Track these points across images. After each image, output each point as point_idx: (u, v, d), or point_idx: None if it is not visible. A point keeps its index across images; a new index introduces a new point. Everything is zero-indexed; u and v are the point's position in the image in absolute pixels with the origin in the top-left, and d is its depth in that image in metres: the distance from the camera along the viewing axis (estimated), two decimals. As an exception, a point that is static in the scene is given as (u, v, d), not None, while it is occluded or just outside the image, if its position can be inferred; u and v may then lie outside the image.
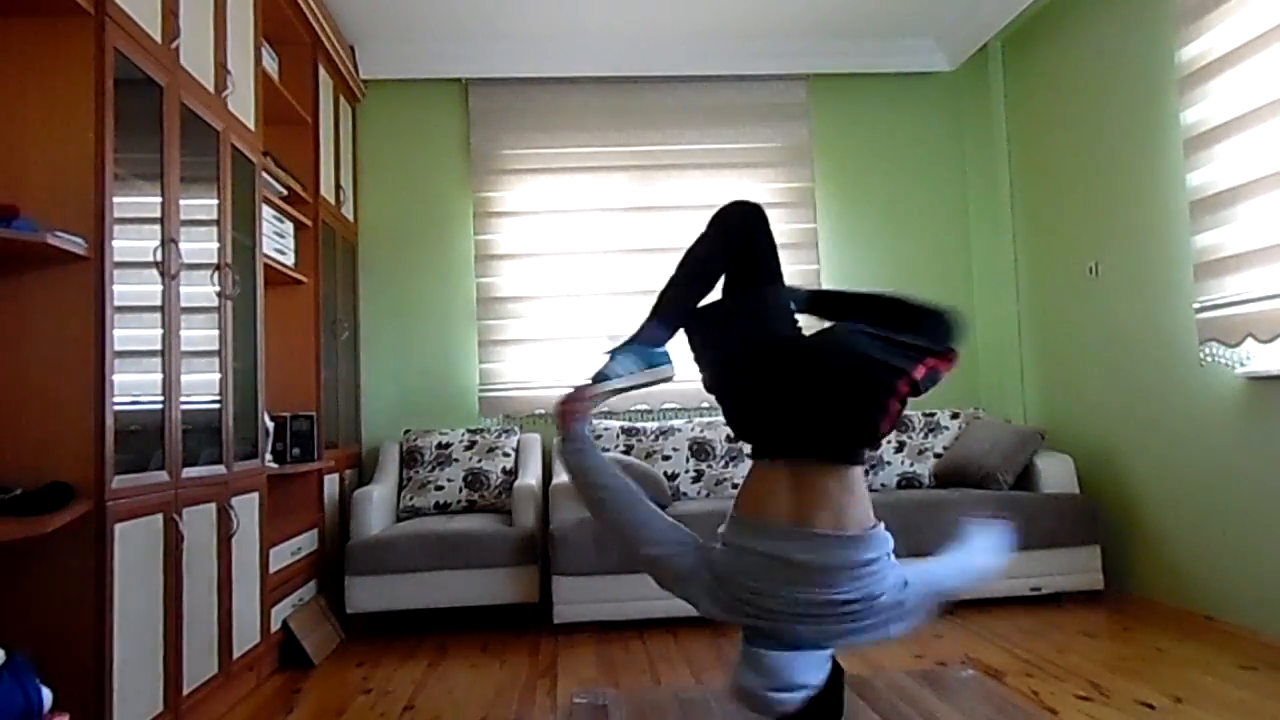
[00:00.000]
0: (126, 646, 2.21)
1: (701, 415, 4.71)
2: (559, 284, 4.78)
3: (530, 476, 4.27)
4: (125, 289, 2.28)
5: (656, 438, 4.37)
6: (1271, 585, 3.12)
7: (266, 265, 3.37)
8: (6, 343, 2.16)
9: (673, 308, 2.29)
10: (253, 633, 3.01)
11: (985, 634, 3.43)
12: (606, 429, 4.42)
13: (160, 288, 2.46)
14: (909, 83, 5.05)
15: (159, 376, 2.46)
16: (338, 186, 4.36)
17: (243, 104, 3.10)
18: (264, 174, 3.33)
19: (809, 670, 1.97)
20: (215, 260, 2.84)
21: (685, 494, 4.27)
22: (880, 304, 2.22)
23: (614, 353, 2.24)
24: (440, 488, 4.29)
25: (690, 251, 2.29)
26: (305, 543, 3.69)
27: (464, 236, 4.81)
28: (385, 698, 2.95)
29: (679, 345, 2.31)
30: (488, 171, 4.82)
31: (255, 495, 3.09)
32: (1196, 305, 3.32)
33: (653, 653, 3.38)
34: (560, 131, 4.85)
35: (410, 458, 4.40)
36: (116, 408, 2.21)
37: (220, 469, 2.81)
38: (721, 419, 4.47)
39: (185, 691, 2.50)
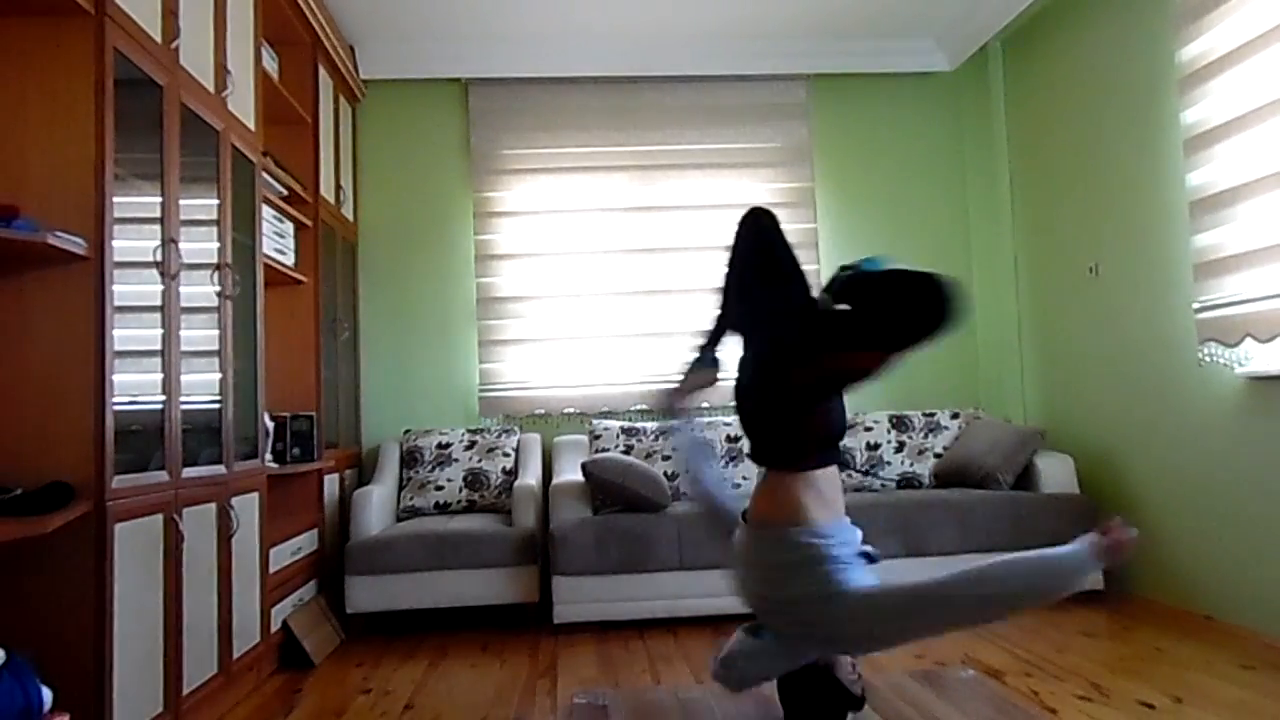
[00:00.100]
0: (126, 646, 2.21)
1: (701, 415, 4.71)
2: (559, 284, 4.78)
3: (530, 476, 4.27)
4: (125, 289, 2.28)
5: (656, 438, 4.37)
6: (1271, 585, 3.12)
7: (266, 265, 3.37)
8: (7, 343, 2.16)
9: (715, 320, 2.57)
10: (253, 633, 3.01)
11: (985, 634, 3.43)
12: (606, 429, 4.42)
13: (160, 288, 2.46)
14: (909, 83, 5.06)
15: (159, 376, 2.46)
16: (338, 186, 4.36)
17: (243, 104, 3.10)
18: (264, 174, 3.33)
19: (754, 656, 2.19)
20: (215, 260, 2.84)
21: (685, 494, 4.26)
22: (872, 286, 2.22)
23: (690, 361, 2.61)
24: (440, 488, 4.29)
25: (726, 263, 2.53)
26: (305, 543, 3.69)
27: (464, 236, 4.81)
28: (385, 698, 2.95)
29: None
30: (488, 171, 4.82)
31: (255, 495, 3.09)
32: (1196, 305, 3.32)
33: (653, 653, 3.38)
34: (560, 131, 4.85)
35: (410, 458, 4.40)
36: (116, 408, 2.21)
37: (220, 469, 2.81)
38: (721, 419, 4.50)
39: (185, 691, 2.50)
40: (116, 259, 2.24)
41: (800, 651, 2.17)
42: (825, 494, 2.17)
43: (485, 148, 4.82)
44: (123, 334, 2.26)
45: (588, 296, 4.78)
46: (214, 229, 2.86)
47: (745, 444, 2.47)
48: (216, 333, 2.84)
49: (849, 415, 2.61)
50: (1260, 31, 2.98)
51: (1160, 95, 3.57)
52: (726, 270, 2.46)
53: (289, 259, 3.76)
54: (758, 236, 2.39)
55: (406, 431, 4.54)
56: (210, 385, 2.80)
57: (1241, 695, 2.65)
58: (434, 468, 4.35)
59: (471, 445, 4.42)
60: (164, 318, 2.47)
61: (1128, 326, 3.84)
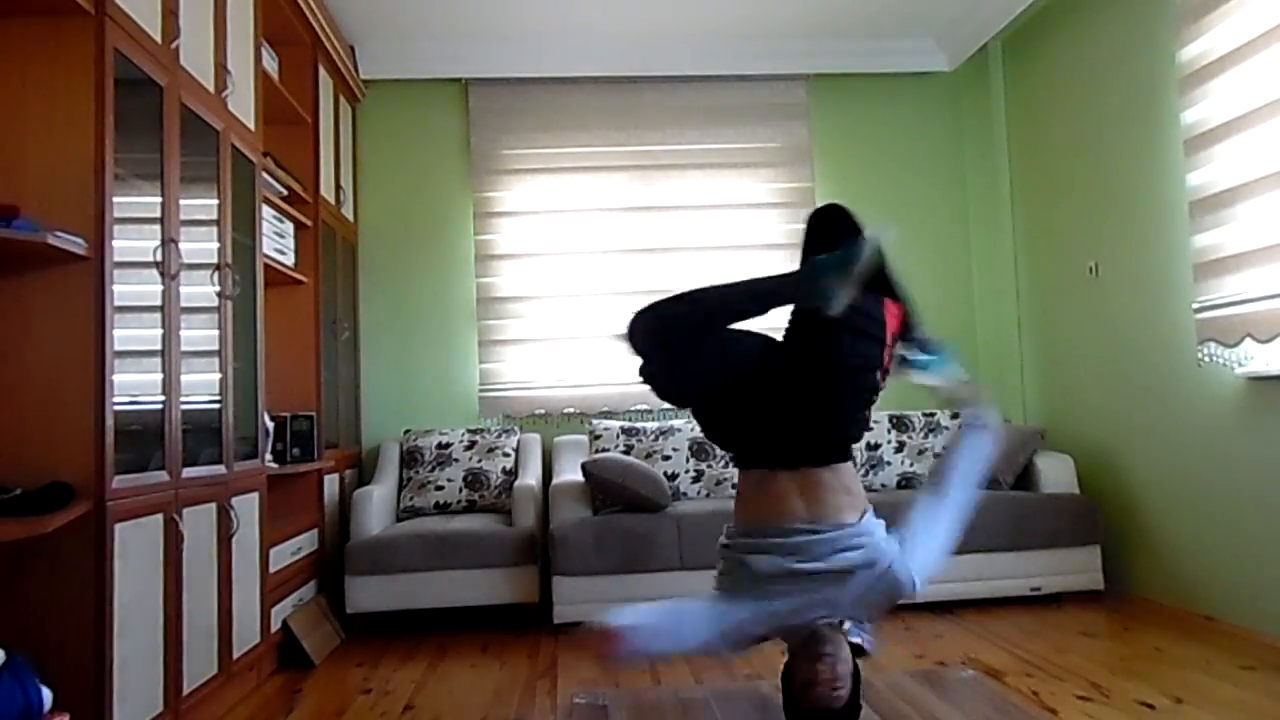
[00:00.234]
0: (126, 646, 2.21)
1: (701, 415, 4.71)
2: (559, 284, 4.78)
3: (530, 476, 4.27)
4: (125, 289, 2.28)
5: (656, 438, 4.37)
6: (1271, 586, 3.12)
7: (266, 265, 3.37)
8: (7, 343, 2.16)
9: None
10: (253, 633, 3.01)
11: (985, 634, 3.43)
12: (606, 429, 4.42)
13: (160, 288, 2.46)
14: (909, 83, 5.05)
15: (159, 376, 2.46)
16: (338, 186, 4.36)
17: (243, 104, 3.10)
18: (264, 174, 3.33)
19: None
20: (215, 260, 2.84)
21: (685, 494, 4.27)
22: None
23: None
24: (440, 488, 4.29)
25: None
26: (305, 543, 3.69)
27: (464, 236, 4.81)
28: (385, 698, 2.95)
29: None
30: (488, 171, 4.82)
31: (255, 495, 3.09)
32: (1195, 305, 3.32)
33: (653, 653, 3.38)
34: (560, 131, 4.85)
35: (410, 458, 4.40)
36: (116, 408, 2.21)
37: (220, 469, 2.81)
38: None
39: (185, 691, 2.50)
40: (116, 259, 2.24)
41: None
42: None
43: (485, 148, 4.82)
44: (123, 334, 2.26)
45: (588, 296, 4.78)
46: (214, 229, 2.86)
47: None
48: (216, 333, 2.84)
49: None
50: (1260, 31, 2.98)
51: (1160, 95, 3.57)
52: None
53: (289, 259, 3.76)
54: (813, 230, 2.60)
55: (406, 431, 4.54)
56: (210, 385, 2.80)
57: (1241, 695, 2.65)
58: (434, 468, 4.35)
59: (471, 445, 4.42)
60: (164, 318, 2.47)
61: (1127, 326, 3.84)
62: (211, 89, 2.84)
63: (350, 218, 4.63)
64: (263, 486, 3.16)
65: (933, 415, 4.50)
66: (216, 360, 2.84)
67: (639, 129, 4.88)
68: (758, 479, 2.28)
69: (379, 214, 4.81)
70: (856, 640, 2.24)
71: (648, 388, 2.27)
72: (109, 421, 2.17)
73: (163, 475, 2.44)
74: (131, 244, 2.35)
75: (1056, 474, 3.99)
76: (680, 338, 2.22)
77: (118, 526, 2.19)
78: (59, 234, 2.07)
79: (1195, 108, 3.31)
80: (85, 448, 2.14)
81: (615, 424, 4.46)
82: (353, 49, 4.66)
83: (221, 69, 2.90)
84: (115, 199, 2.24)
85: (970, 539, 3.72)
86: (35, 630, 2.08)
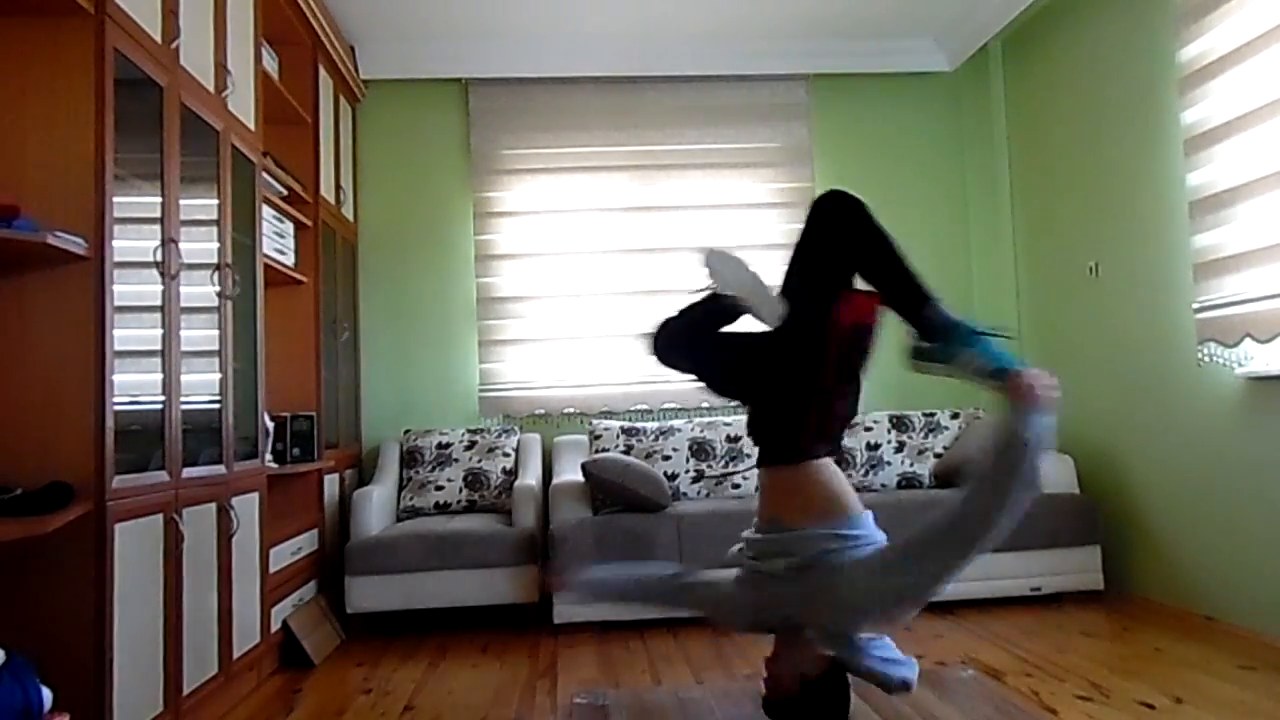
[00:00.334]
0: (126, 646, 2.21)
1: (701, 415, 4.71)
2: (559, 284, 4.78)
3: (530, 476, 4.27)
4: (125, 289, 2.28)
5: (656, 438, 4.37)
6: (1271, 586, 3.12)
7: (266, 265, 3.37)
8: (7, 343, 2.16)
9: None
10: (253, 633, 3.01)
11: (985, 634, 3.43)
12: (606, 429, 4.42)
13: (160, 288, 2.46)
14: (909, 83, 5.05)
15: (159, 376, 2.46)
16: (338, 186, 4.36)
17: (243, 104, 3.10)
18: (264, 174, 3.33)
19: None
20: (215, 260, 2.84)
21: (685, 494, 4.27)
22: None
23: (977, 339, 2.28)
24: (440, 488, 4.29)
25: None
26: (305, 543, 3.69)
27: (464, 236, 4.81)
28: (385, 698, 2.95)
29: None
30: (488, 171, 4.82)
31: (255, 495, 3.09)
32: (1195, 305, 3.32)
33: (653, 653, 3.38)
34: (560, 131, 4.85)
35: (410, 458, 4.40)
36: (116, 408, 2.21)
37: (220, 469, 2.81)
38: (721, 419, 4.50)
39: (185, 691, 2.50)
40: (116, 259, 2.24)
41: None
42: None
43: (485, 148, 4.82)
44: (123, 334, 2.26)
45: (588, 296, 4.78)
46: (214, 229, 2.86)
47: (750, 444, 2.49)
48: (216, 333, 2.84)
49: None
50: (1260, 31, 2.98)
51: (1160, 95, 3.57)
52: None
53: (289, 259, 3.76)
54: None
55: (406, 431, 4.54)
56: (210, 385, 2.80)
57: (1241, 695, 2.65)
58: (434, 468, 4.35)
59: (471, 445, 4.42)
60: (164, 318, 2.47)
61: (1127, 327, 3.84)
62: (211, 89, 2.84)
63: (350, 218, 4.63)
64: (263, 486, 3.16)
65: (933, 415, 4.50)
66: (216, 360, 2.84)
67: (639, 129, 4.88)
68: (759, 474, 2.41)
69: (379, 214, 4.81)
70: (876, 669, 2.13)
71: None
72: (109, 421, 2.17)
73: (163, 475, 2.44)
74: (131, 244, 2.35)
75: (1056, 474, 3.99)
76: (678, 350, 2.48)
77: (118, 526, 2.19)
78: (59, 234, 2.07)
79: (1195, 108, 3.31)
80: (85, 448, 2.14)
81: (615, 424, 4.46)
82: (353, 49, 4.66)
83: (221, 69, 2.90)
84: (115, 199, 2.24)
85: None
86: (35, 630, 2.08)
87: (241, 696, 2.97)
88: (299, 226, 3.88)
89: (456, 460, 4.37)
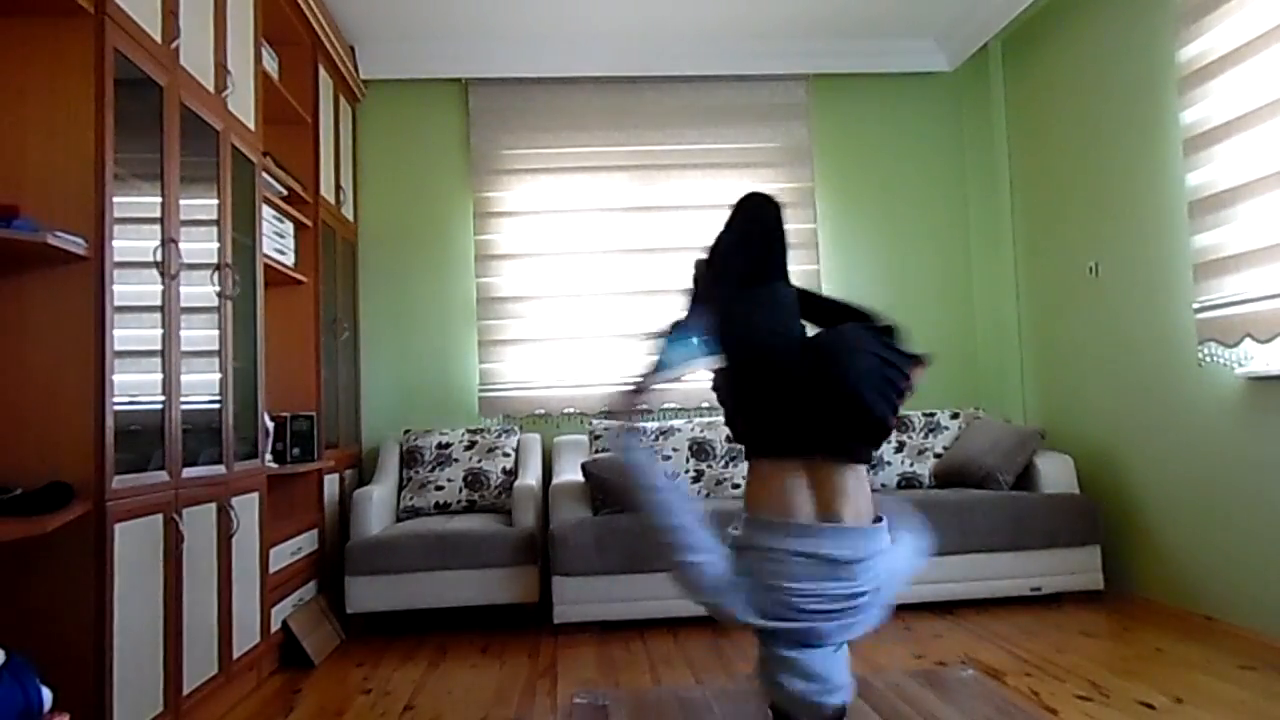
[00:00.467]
0: (126, 646, 2.21)
1: (701, 415, 4.71)
2: (559, 284, 4.78)
3: (530, 476, 4.27)
4: (125, 289, 2.28)
5: (656, 438, 4.37)
6: (1271, 586, 3.12)
7: (266, 265, 3.37)
8: (7, 343, 2.16)
9: (709, 297, 2.27)
10: (253, 633, 3.01)
11: (985, 634, 3.43)
12: (607, 429, 4.42)
13: (160, 288, 2.46)
14: (909, 83, 5.06)
15: (159, 376, 2.46)
16: (338, 186, 4.36)
17: (243, 104, 3.10)
18: (264, 174, 3.33)
19: (845, 667, 2.03)
20: (215, 260, 2.84)
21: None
22: (851, 313, 2.30)
23: (666, 340, 2.25)
24: (440, 488, 4.29)
25: (716, 240, 2.28)
26: (305, 543, 3.69)
27: (464, 236, 4.81)
28: (385, 698, 2.95)
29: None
30: (488, 171, 4.82)
31: (255, 495, 3.09)
32: (1196, 305, 3.32)
33: (653, 653, 3.38)
34: (560, 131, 4.85)
35: (410, 458, 4.40)
36: (116, 408, 2.21)
37: (220, 469, 2.81)
38: (721, 419, 4.49)
39: (185, 691, 2.50)
40: (116, 259, 2.24)
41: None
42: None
43: (485, 148, 4.82)
44: (123, 334, 2.26)
45: (588, 296, 4.78)
46: (214, 229, 2.86)
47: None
48: (216, 333, 2.84)
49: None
50: (1260, 31, 2.98)
51: (1160, 95, 3.57)
52: (728, 250, 2.25)
53: (289, 259, 3.76)
54: (777, 229, 2.24)
55: (406, 431, 4.54)
56: (210, 385, 2.80)
57: (1241, 695, 2.65)
58: (434, 468, 4.35)
59: (471, 445, 4.42)
60: (164, 318, 2.47)
61: (1127, 326, 3.84)
62: (211, 89, 2.84)
63: (350, 218, 4.63)
64: (263, 486, 3.16)
65: (933, 415, 4.50)
66: (216, 360, 2.84)
67: (639, 129, 4.88)
68: None
69: (379, 214, 4.81)
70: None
71: None
72: (109, 421, 2.17)
73: (163, 475, 2.44)
74: (131, 244, 2.35)
75: (1056, 474, 3.99)
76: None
77: (118, 526, 2.19)
78: (59, 234, 2.07)
79: (1195, 108, 3.31)
80: (85, 448, 2.14)
81: (615, 424, 4.46)
82: (353, 49, 4.67)
83: (221, 69, 2.90)
84: (115, 199, 2.24)
85: (970, 539, 3.76)
86: (35, 630, 2.08)
87: (241, 696, 2.97)
88: (299, 226, 3.88)
89: (456, 460, 4.37)
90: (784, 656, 1.99)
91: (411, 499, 4.28)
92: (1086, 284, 4.11)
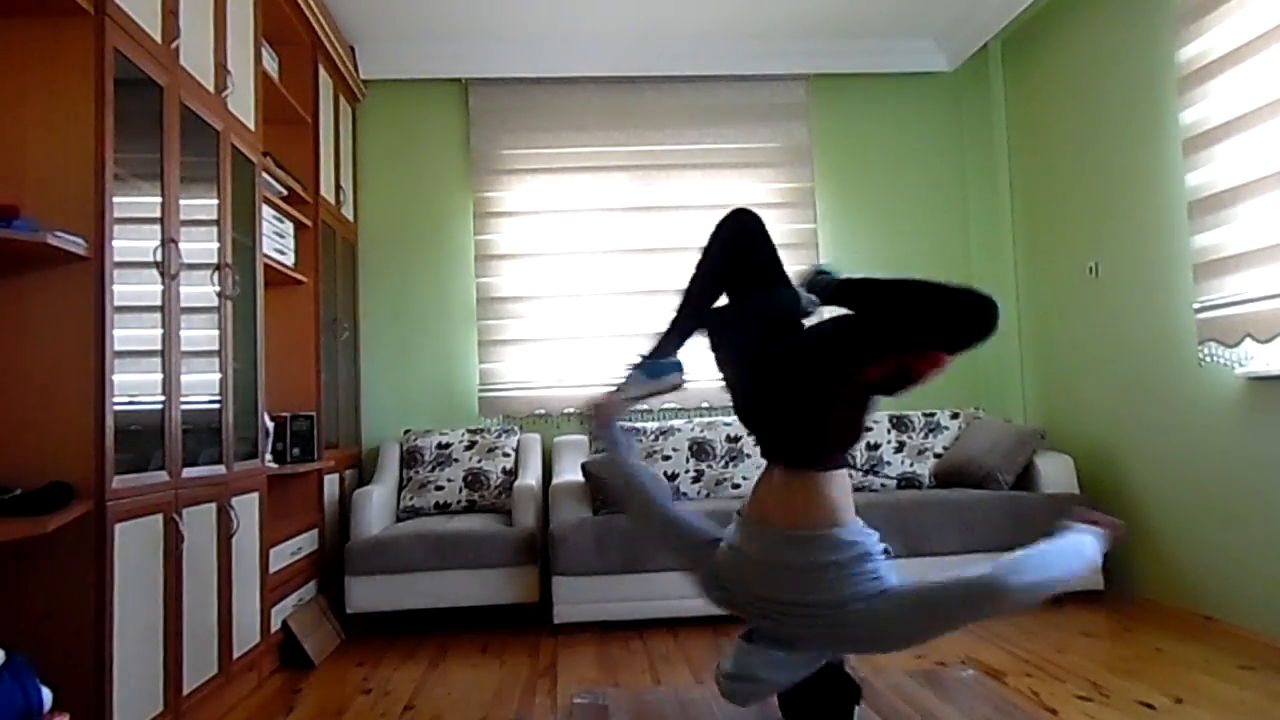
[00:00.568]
0: (126, 646, 2.21)
1: (701, 415, 4.71)
2: (559, 284, 4.78)
3: (530, 476, 4.27)
4: (125, 289, 2.28)
5: (656, 438, 4.37)
6: (1271, 586, 3.12)
7: (266, 265, 3.37)
8: (7, 343, 2.16)
9: (679, 322, 2.46)
10: (253, 633, 3.01)
11: (985, 634, 3.43)
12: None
13: (160, 288, 2.46)
14: (909, 83, 5.06)
15: (159, 376, 2.46)
16: (338, 186, 4.36)
17: (243, 104, 3.10)
18: (264, 174, 3.33)
19: (770, 667, 2.05)
20: (215, 260, 2.84)
21: (685, 494, 4.27)
22: (899, 291, 2.07)
23: (632, 367, 2.50)
24: (440, 488, 4.29)
25: (696, 265, 2.44)
26: (305, 543, 3.69)
27: (464, 236, 4.81)
28: (385, 698, 2.95)
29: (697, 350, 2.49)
30: (488, 171, 4.82)
31: (255, 495, 3.09)
32: (1196, 305, 3.32)
33: (653, 653, 3.38)
34: (560, 131, 4.85)
35: (410, 458, 4.40)
36: (116, 408, 2.21)
37: (220, 469, 2.81)
38: (721, 419, 4.50)
39: (185, 691, 2.50)
40: (116, 259, 2.24)
41: (817, 656, 2.09)
42: (849, 494, 2.16)
43: (485, 148, 4.82)
44: (123, 334, 2.26)
45: (588, 296, 4.78)
46: (214, 229, 2.86)
47: (751, 444, 2.47)
48: (216, 333, 2.84)
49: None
50: (1260, 31, 2.98)
51: (1160, 95, 3.57)
52: (708, 270, 2.39)
53: (289, 259, 3.76)
54: (747, 236, 2.35)
55: (406, 431, 4.54)
56: (210, 385, 2.80)
57: (1241, 695, 2.65)
58: (434, 468, 4.35)
59: (471, 445, 4.42)
60: (164, 318, 2.47)
61: (1128, 326, 3.84)
62: (211, 89, 2.84)
63: (350, 218, 4.63)
64: (263, 486, 3.16)
65: (933, 415, 4.50)
66: (216, 360, 2.84)
67: (639, 129, 4.88)
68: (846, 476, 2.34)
69: (379, 214, 4.81)
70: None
71: None
72: (109, 421, 2.17)
73: (163, 475, 2.44)
74: (131, 244, 2.35)
75: (1056, 474, 3.99)
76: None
77: (118, 526, 2.19)
78: (59, 234, 2.07)
79: (1194, 108, 3.31)
80: (85, 448, 2.14)
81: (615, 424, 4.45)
82: (353, 49, 4.67)
83: (221, 69, 2.90)
84: (115, 199, 2.24)
85: (970, 539, 3.76)
86: (35, 630, 2.08)
87: (241, 696, 2.97)
88: (299, 226, 3.88)
89: (456, 460, 4.37)
90: (737, 641, 2.14)
91: (411, 499, 4.28)
92: (1086, 284, 4.11)
